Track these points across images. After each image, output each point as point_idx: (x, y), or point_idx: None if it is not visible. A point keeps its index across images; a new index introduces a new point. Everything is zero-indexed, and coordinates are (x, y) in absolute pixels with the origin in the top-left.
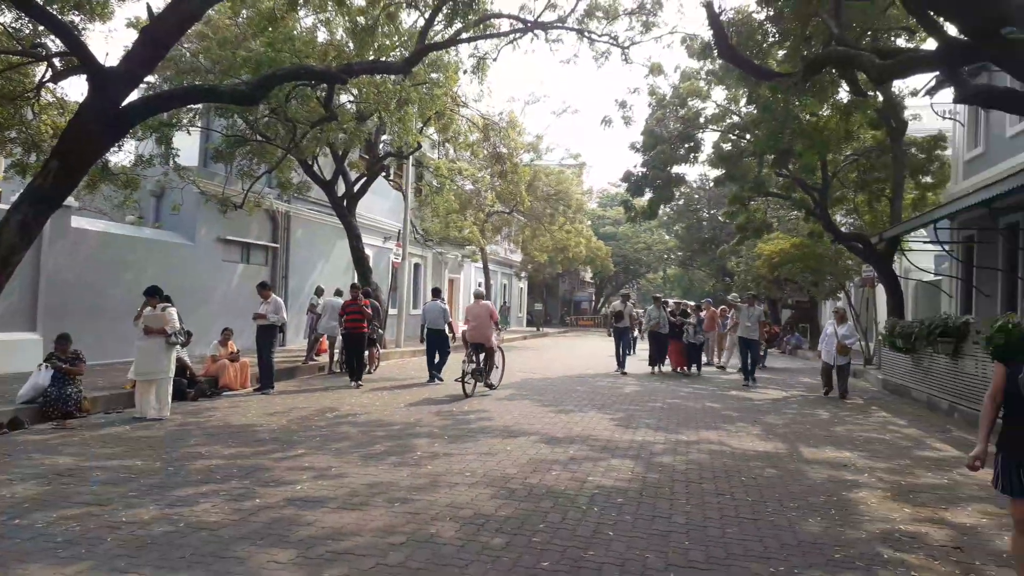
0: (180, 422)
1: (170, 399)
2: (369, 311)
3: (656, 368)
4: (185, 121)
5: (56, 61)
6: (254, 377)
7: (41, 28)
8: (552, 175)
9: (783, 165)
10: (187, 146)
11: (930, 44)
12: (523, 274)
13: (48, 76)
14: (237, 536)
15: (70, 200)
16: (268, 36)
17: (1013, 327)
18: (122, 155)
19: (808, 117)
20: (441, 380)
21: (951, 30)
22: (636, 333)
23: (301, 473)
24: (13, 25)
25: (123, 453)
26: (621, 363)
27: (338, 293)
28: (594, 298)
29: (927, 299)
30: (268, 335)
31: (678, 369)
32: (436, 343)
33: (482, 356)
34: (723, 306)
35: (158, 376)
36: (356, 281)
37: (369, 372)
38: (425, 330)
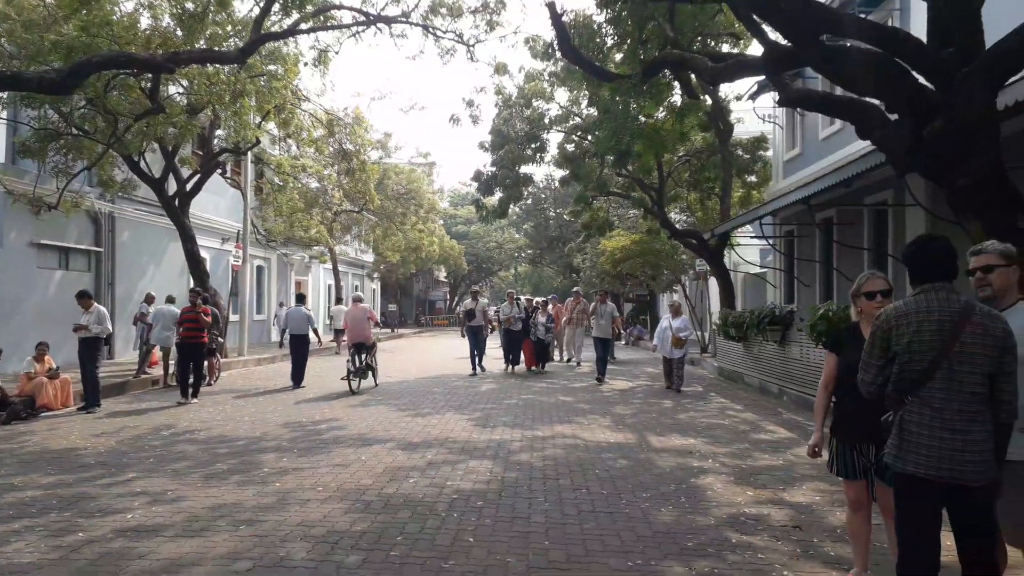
0: None
1: None
2: (208, 319)
3: (510, 367)
4: None
5: None
6: (78, 395)
7: None
8: (402, 174)
9: (623, 165)
10: None
11: (754, 49)
12: (376, 274)
13: None
14: None
15: None
16: (81, 19)
17: (833, 314)
18: None
19: (645, 119)
20: (303, 386)
21: (775, 36)
22: (489, 331)
23: (132, 500)
24: None
25: None
26: (476, 364)
27: (170, 300)
28: (449, 297)
29: (755, 290)
30: (92, 348)
31: (531, 368)
32: (299, 349)
33: (363, 355)
34: (570, 299)
35: None
36: (193, 286)
37: (209, 384)
38: (287, 335)
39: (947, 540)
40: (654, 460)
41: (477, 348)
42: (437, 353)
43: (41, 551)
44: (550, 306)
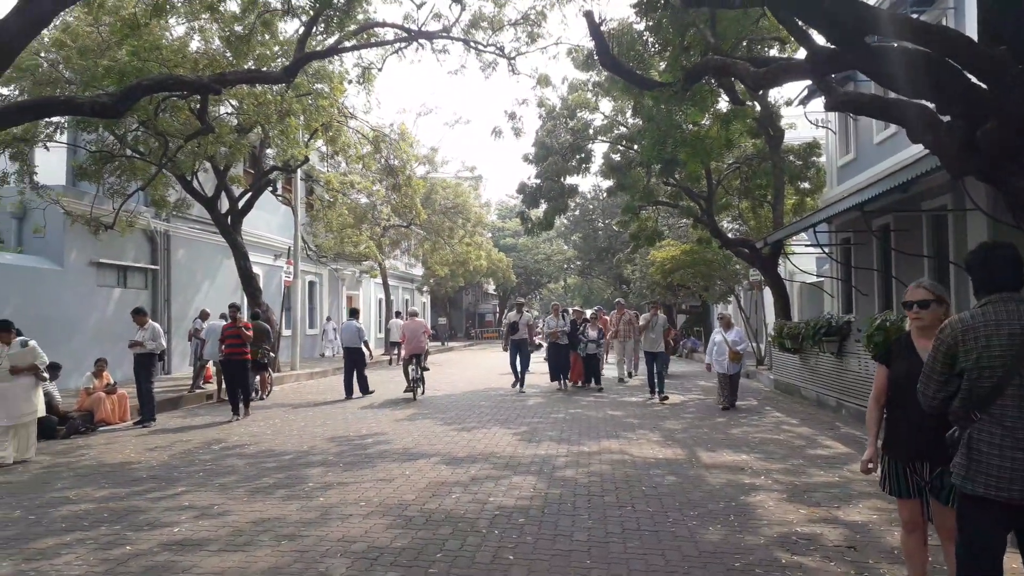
0: (48, 463)
1: (35, 438)
2: (250, 334)
3: (561, 383)
4: (43, 136)
5: None
6: (134, 409)
7: None
8: (449, 188)
9: (670, 174)
10: (52, 163)
11: (801, 53)
12: (425, 288)
13: None
14: None
15: None
16: (132, 44)
17: (890, 324)
18: None
19: (690, 126)
20: (371, 391)
21: (820, 39)
22: (534, 346)
23: (180, 513)
24: None
25: None
26: (519, 378)
27: (224, 317)
28: (498, 310)
29: (811, 300)
30: (146, 364)
31: (579, 384)
32: (353, 361)
33: (418, 365)
34: (614, 311)
35: (28, 419)
36: (235, 302)
37: (261, 398)
38: (341, 349)
39: (1012, 562)
40: (704, 477)
41: (522, 363)
42: (485, 366)
43: (89, 564)
44: (588, 314)
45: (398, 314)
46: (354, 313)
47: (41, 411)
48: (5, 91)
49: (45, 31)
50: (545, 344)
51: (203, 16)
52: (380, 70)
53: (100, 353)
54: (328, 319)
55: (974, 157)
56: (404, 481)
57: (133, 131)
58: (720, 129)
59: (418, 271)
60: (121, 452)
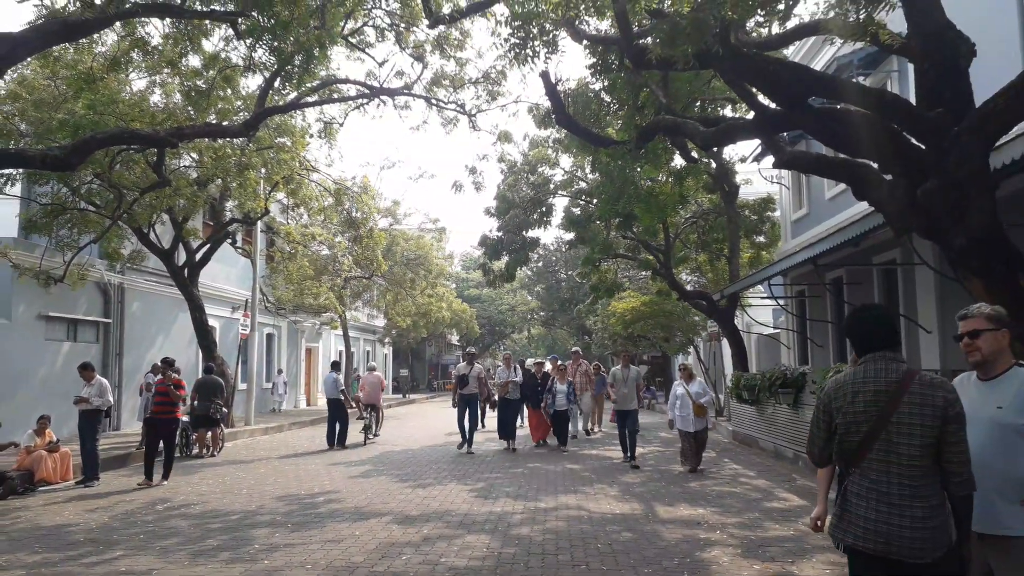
0: None
1: None
2: (181, 392)
3: (510, 444)
4: None
5: None
6: (77, 468)
7: None
8: (411, 240)
9: (628, 228)
10: (4, 215)
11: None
12: (387, 339)
13: None
14: None
15: None
16: (88, 98)
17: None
18: None
19: (646, 182)
20: (347, 447)
21: (769, 100)
22: (485, 398)
23: None
24: None
25: None
26: (466, 438)
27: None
28: (462, 361)
29: (768, 351)
30: (92, 421)
31: (539, 442)
32: (334, 412)
33: (374, 414)
34: (569, 361)
35: None
36: (164, 356)
37: (213, 455)
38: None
39: None
40: (660, 532)
41: (470, 420)
42: (446, 419)
43: None
44: (547, 366)
45: (335, 365)
46: (335, 366)
47: None
48: None
49: (1, 83)
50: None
51: (164, 70)
52: (342, 125)
53: (46, 409)
54: (279, 372)
55: (916, 215)
56: (354, 542)
57: (87, 183)
58: (674, 185)
59: (380, 322)
60: (60, 514)
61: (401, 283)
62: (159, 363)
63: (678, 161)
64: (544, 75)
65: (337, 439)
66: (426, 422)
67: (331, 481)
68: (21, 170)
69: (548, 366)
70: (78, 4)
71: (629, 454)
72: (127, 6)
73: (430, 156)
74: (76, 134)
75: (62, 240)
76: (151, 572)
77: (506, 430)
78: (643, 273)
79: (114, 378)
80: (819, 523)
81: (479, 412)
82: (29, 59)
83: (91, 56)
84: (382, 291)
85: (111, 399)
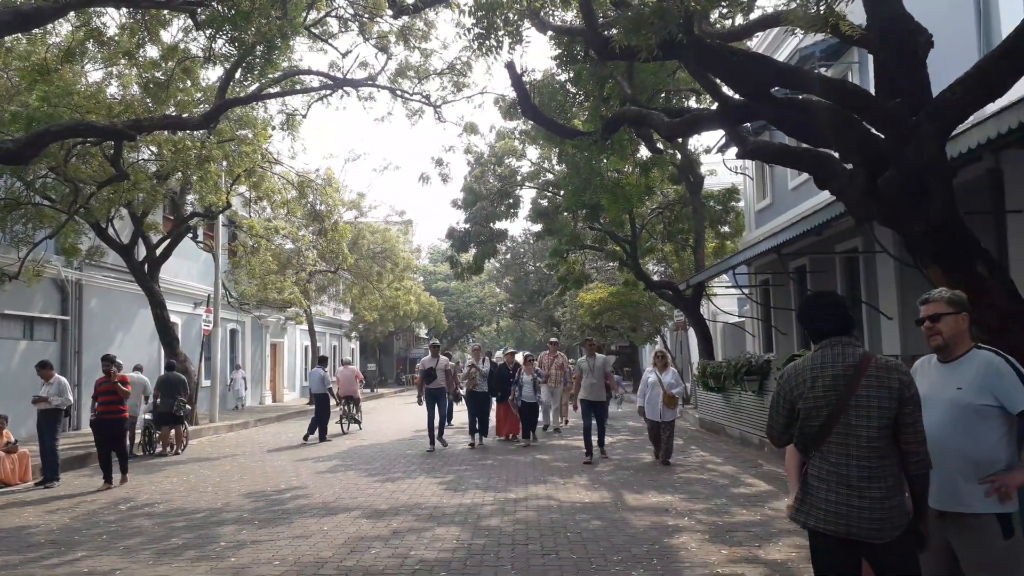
0: None
1: None
2: (127, 389)
3: (477, 439)
4: None
5: None
6: (36, 469)
7: None
8: (377, 233)
9: (595, 219)
10: None
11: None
12: (354, 334)
13: None
14: None
15: None
16: (41, 90)
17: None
18: None
19: (612, 173)
20: (328, 439)
21: (731, 92)
22: (456, 394)
23: None
24: None
25: None
26: (436, 435)
27: (138, 368)
28: (430, 354)
29: (734, 339)
30: (51, 420)
31: (506, 437)
32: (318, 406)
33: (351, 405)
34: (545, 352)
35: None
36: (106, 354)
37: (176, 453)
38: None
39: None
40: (629, 520)
41: (440, 416)
42: (414, 413)
43: None
44: (519, 356)
45: (322, 360)
46: (322, 361)
47: None
48: None
49: None
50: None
51: (121, 62)
52: (305, 116)
53: (3, 409)
54: (237, 367)
55: (876, 203)
56: (322, 537)
57: (42, 177)
58: (640, 176)
59: (346, 316)
60: (19, 515)
61: (367, 276)
62: (119, 361)
63: (644, 152)
64: (509, 66)
65: (319, 432)
66: (395, 416)
67: (298, 477)
68: None
69: (519, 356)
70: None
71: (598, 444)
72: None
73: (396, 148)
74: (30, 127)
75: (16, 235)
76: (115, 572)
77: (475, 425)
78: (610, 264)
79: (73, 377)
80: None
81: (447, 406)
82: None
83: (45, 47)
84: (348, 285)
85: (71, 398)
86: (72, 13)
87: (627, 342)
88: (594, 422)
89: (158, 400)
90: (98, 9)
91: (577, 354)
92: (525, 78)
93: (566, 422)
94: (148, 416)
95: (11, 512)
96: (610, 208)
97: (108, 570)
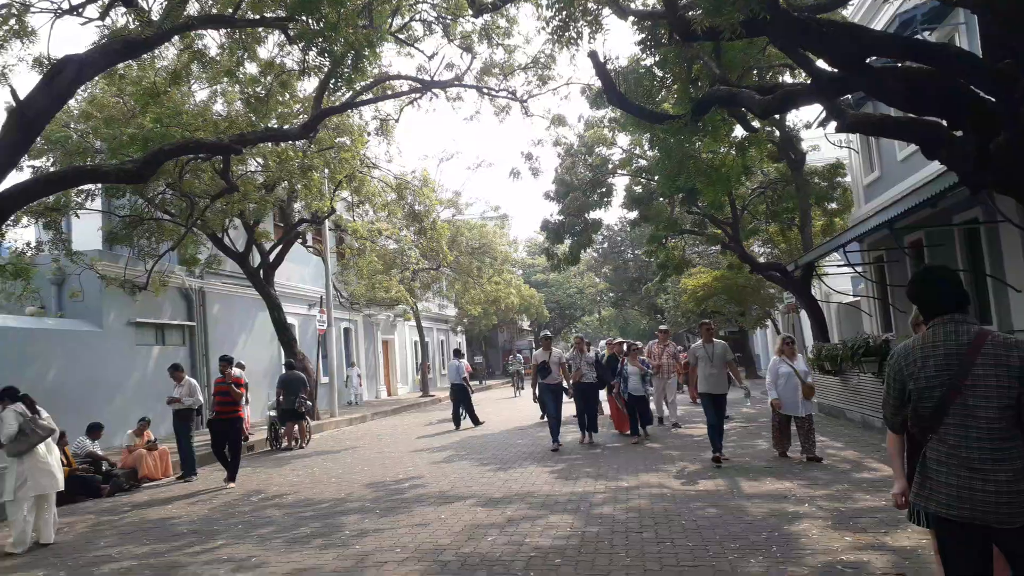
0: (92, 522)
1: (18, 524)
2: (241, 390)
3: (587, 436)
4: (75, 204)
5: None
6: (176, 465)
7: None
8: (474, 229)
9: (692, 203)
10: (88, 229)
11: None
12: (459, 328)
13: None
14: None
15: None
16: (154, 112)
17: None
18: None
19: (706, 156)
20: (481, 422)
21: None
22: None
23: (219, 567)
24: None
25: (24, 564)
26: (555, 432)
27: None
28: (534, 346)
29: (849, 320)
30: (185, 419)
31: (624, 432)
32: (458, 396)
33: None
34: (653, 342)
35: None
36: (226, 354)
37: (301, 447)
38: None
39: None
40: (745, 507)
41: (558, 413)
42: (521, 404)
43: None
44: (625, 346)
45: (457, 353)
46: (457, 353)
47: (13, 493)
48: (37, 163)
49: (73, 103)
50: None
51: (223, 80)
52: (397, 121)
53: (142, 411)
54: (352, 364)
55: (989, 170)
56: (440, 525)
57: (160, 194)
58: (736, 156)
59: (451, 312)
60: (163, 508)
61: (468, 272)
62: (242, 362)
63: (739, 132)
64: (592, 55)
65: (470, 418)
66: (502, 407)
67: (415, 467)
68: (99, 185)
69: (622, 346)
70: (137, 23)
71: (720, 446)
72: (182, 20)
73: (486, 145)
74: (146, 147)
75: (143, 249)
76: (251, 559)
77: (585, 419)
78: (712, 248)
79: (202, 378)
80: (903, 499)
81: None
82: (97, 78)
83: (154, 71)
84: (450, 281)
85: (201, 398)
86: (176, 37)
87: (736, 327)
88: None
89: (281, 398)
90: (199, 32)
91: (684, 342)
92: (609, 66)
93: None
94: (272, 413)
95: (156, 504)
96: (706, 191)
97: (244, 557)
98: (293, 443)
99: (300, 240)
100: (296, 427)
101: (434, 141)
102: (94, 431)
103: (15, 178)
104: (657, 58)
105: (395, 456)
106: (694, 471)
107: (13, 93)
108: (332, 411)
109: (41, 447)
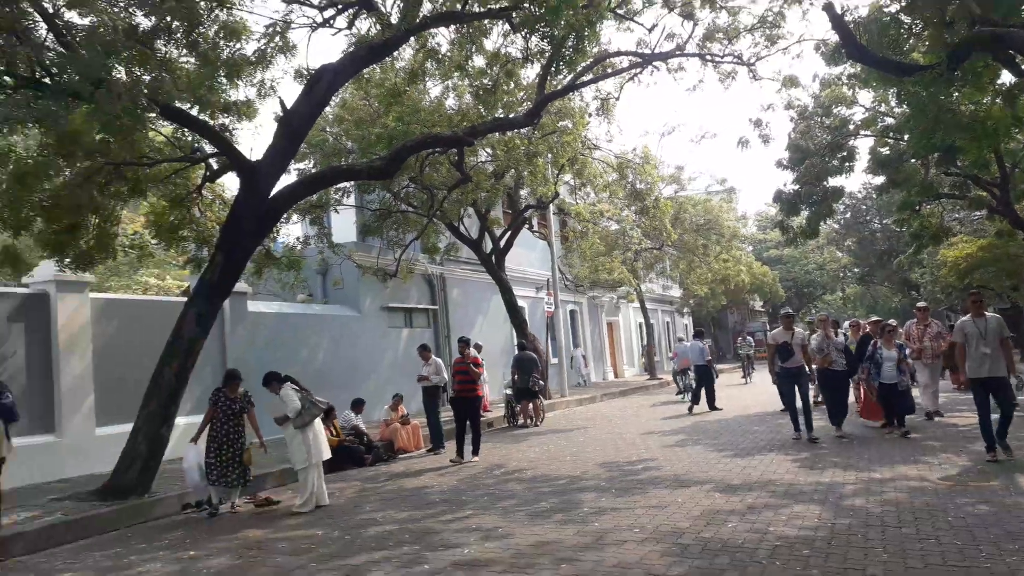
0: (359, 488)
1: (308, 487)
2: (479, 370)
3: (838, 428)
4: (334, 201)
5: (212, 162)
6: (426, 438)
7: (197, 134)
8: (699, 205)
9: (950, 163)
10: (345, 224)
11: None
12: (685, 310)
13: (207, 176)
14: None
15: (244, 286)
16: (396, 111)
17: None
18: (284, 236)
19: (967, 108)
20: (719, 408)
21: None
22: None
23: (468, 535)
24: (175, 135)
25: (305, 523)
26: (804, 422)
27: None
28: (768, 327)
29: None
30: (432, 396)
31: (881, 424)
32: (702, 377)
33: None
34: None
35: (296, 467)
36: (464, 335)
37: (536, 425)
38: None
39: None
40: None
41: (803, 400)
42: (756, 390)
43: None
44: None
45: (700, 334)
46: (700, 334)
47: (305, 461)
48: (301, 166)
49: (327, 108)
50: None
51: (454, 75)
52: (617, 99)
53: (395, 388)
54: (577, 346)
55: None
56: (677, 508)
57: (404, 188)
58: (1005, 107)
59: (676, 292)
60: (417, 478)
61: (693, 250)
62: (478, 343)
63: (1006, 78)
64: (828, 7)
65: (708, 401)
66: (733, 393)
67: (648, 450)
68: (352, 183)
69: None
70: (378, 26)
71: (997, 437)
72: (417, 21)
73: (710, 115)
74: (390, 145)
75: (391, 240)
76: (497, 529)
77: (835, 411)
78: (976, 213)
79: (445, 357)
80: None
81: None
82: (346, 84)
83: (394, 72)
84: (674, 260)
85: (446, 376)
86: (411, 39)
87: (1007, 303)
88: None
89: (515, 377)
90: (431, 31)
91: (944, 321)
92: (847, 17)
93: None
94: (508, 391)
95: (411, 474)
96: (968, 149)
97: (491, 527)
98: (528, 421)
99: (527, 225)
100: (531, 405)
101: (654, 116)
102: (357, 406)
103: (284, 180)
104: (903, 3)
105: (627, 437)
106: (961, 465)
107: (281, 104)
108: (562, 391)
109: (317, 419)
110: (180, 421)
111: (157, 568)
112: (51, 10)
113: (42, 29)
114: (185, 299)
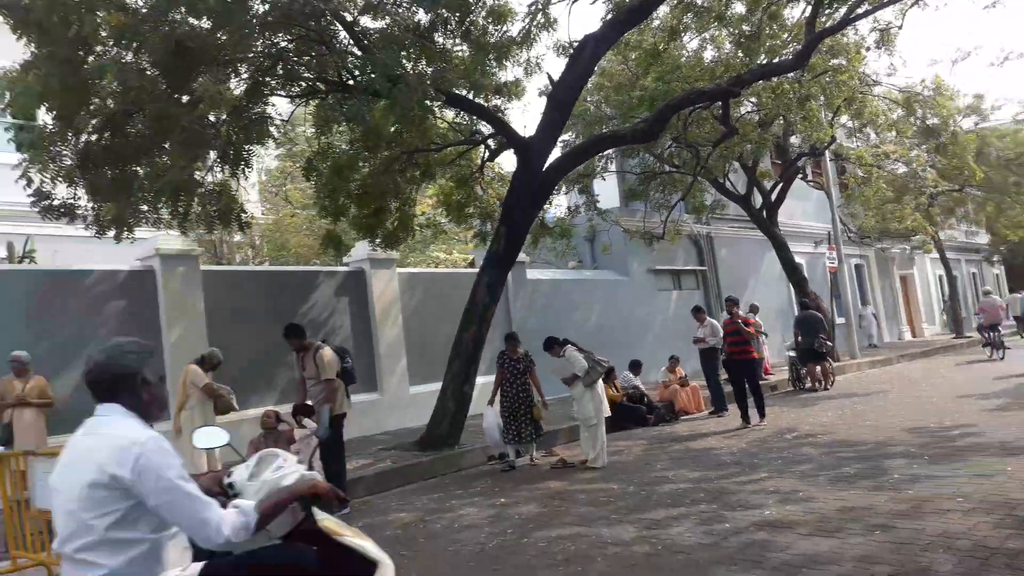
0: (645, 447)
1: (599, 443)
2: (750, 330)
3: None
4: (599, 168)
5: (490, 142)
6: (707, 400)
7: (475, 117)
8: (1006, 136)
9: None
10: (608, 190)
11: None
12: (995, 258)
13: (487, 156)
14: (712, 560)
15: (523, 256)
16: (656, 71)
17: None
18: (554, 208)
19: None
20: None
21: None
22: None
23: (766, 497)
24: (455, 120)
25: (600, 477)
26: None
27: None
28: None
29: None
30: (710, 358)
31: None
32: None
33: (996, 335)
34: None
35: (586, 424)
36: (731, 295)
37: (826, 388)
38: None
39: None
40: None
41: None
42: None
43: (697, 536)
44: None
45: (986, 293)
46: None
47: (591, 419)
48: (566, 137)
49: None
50: None
51: (712, 25)
52: (900, 28)
53: (667, 350)
54: (866, 304)
55: None
56: (1007, 478)
57: (667, 148)
58: None
59: (983, 239)
60: (703, 440)
61: (1002, 189)
62: (755, 304)
63: None
64: None
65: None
66: None
67: (962, 414)
68: (615, 150)
69: None
70: None
71: None
72: None
73: (1013, 32)
74: (652, 106)
75: (656, 202)
76: (796, 492)
77: None
78: None
79: (717, 319)
80: None
81: None
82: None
83: (651, 32)
84: (980, 202)
85: (722, 338)
86: None
87: None
88: None
89: (799, 338)
90: None
91: None
92: None
93: None
94: (792, 353)
95: (696, 436)
96: None
97: (790, 490)
98: (816, 384)
99: (800, 175)
100: (818, 368)
101: (944, 42)
102: (635, 367)
103: (553, 154)
104: None
105: (935, 401)
106: None
107: (549, 78)
108: (852, 353)
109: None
110: (479, 381)
111: (475, 512)
112: (349, 18)
113: (342, 36)
114: (472, 271)
